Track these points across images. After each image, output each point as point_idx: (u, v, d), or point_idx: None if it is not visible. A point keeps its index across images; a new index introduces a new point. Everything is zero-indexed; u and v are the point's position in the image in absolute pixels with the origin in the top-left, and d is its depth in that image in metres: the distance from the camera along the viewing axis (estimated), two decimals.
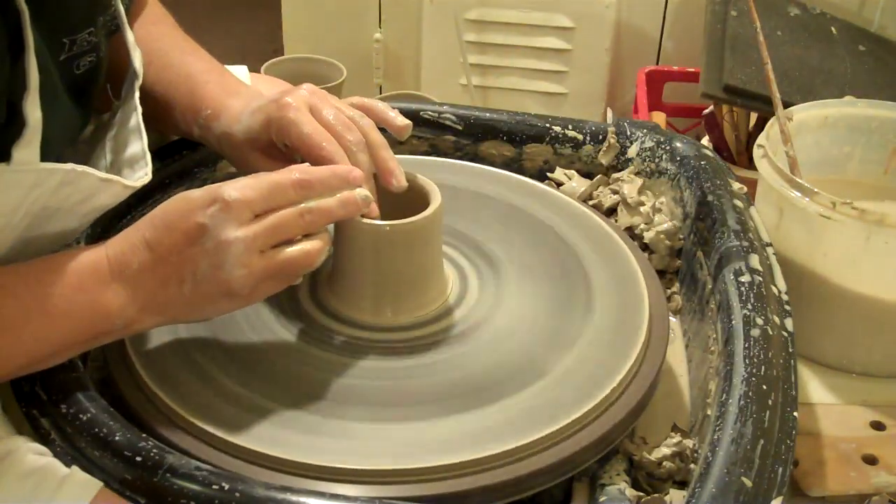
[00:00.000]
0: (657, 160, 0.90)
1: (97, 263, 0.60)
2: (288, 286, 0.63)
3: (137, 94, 0.72)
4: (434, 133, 0.94)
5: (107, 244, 0.61)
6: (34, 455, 0.58)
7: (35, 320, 0.58)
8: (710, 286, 0.75)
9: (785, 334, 0.67)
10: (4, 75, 0.57)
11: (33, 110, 0.58)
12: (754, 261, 0.73)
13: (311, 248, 0.61)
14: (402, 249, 0.69)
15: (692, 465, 0.66)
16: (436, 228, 0.70)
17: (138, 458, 0.55)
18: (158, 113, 0.78)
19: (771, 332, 0.66)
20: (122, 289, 0.60)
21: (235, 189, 0.60)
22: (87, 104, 0.71)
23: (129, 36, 0.72)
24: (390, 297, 0.71)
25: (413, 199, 0.71)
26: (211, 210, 0.59)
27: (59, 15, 0.63)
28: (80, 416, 0.58)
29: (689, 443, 0.66)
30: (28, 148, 0.58)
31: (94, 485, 0.55)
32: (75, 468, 0.57)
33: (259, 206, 0.60)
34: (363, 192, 0.64)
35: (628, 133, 0.93)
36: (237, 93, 0.76)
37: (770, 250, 0.76)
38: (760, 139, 0.85)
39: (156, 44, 0.80)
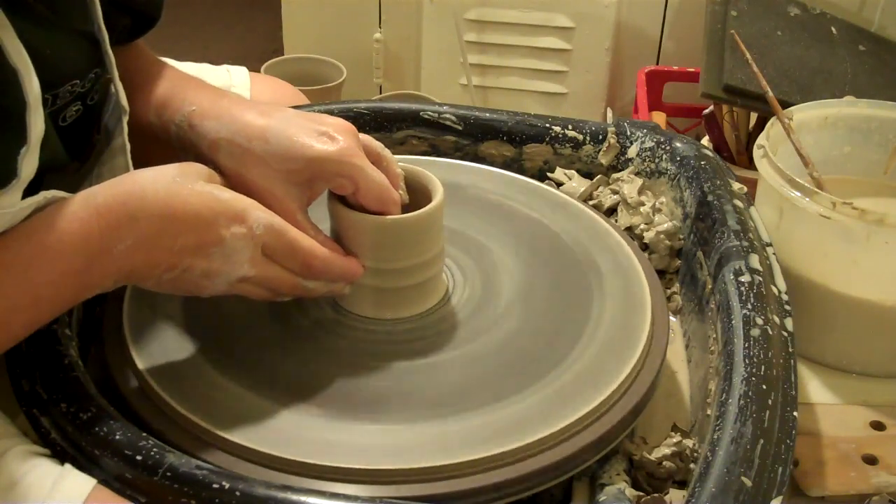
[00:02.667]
0: (657, 160, 0.90)
1: (88, 235, 0.59)
2: None
3: (126, 131, 0.71)
4: (434, 133, 0.95)
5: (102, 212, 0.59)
6: (29, 454, 0.58)
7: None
8: (710, 286, 0.75)
9: (785, 334, 0.67)
10: None
11: (28, 164, 0.58)
12: (754, 261, 0.73)
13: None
14: (404, 243, 0.69)
15: (692, 465, 0.66)
16: (437, 223, 0.70)
17: (139, 457, 0.55)
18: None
19: (771, 332, 0.66)
20: (109, 263, 0.59)
21: (263, 223, 0.61)
22: (76, 148, 0.71)
23: (115, 73, 0.70)
24: (391, 293, 0.71)
25: (415, 194, 0.71)
26: (234, 229, 0.60)
27: (41, 71, 0.60)
28: (81, 415, 0.58)
29: (689, 443, 0.66)
30: (12, 195, 0.58)
31: (88, 483, 0.55)
32: (69, 466, 0.57)
33: (269, 251, 0.63)
34: (349, 288, 0.69)
35: (628, 133, 0.93)
36: (251, 108, 0.69)
37: (770, 250, 0.76)
38: (760, 139, 0.85)
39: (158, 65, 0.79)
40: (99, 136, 0.73)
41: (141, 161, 0.72)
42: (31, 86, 0.58)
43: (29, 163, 0.58)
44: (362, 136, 0.68)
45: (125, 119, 0.71)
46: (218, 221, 0.60)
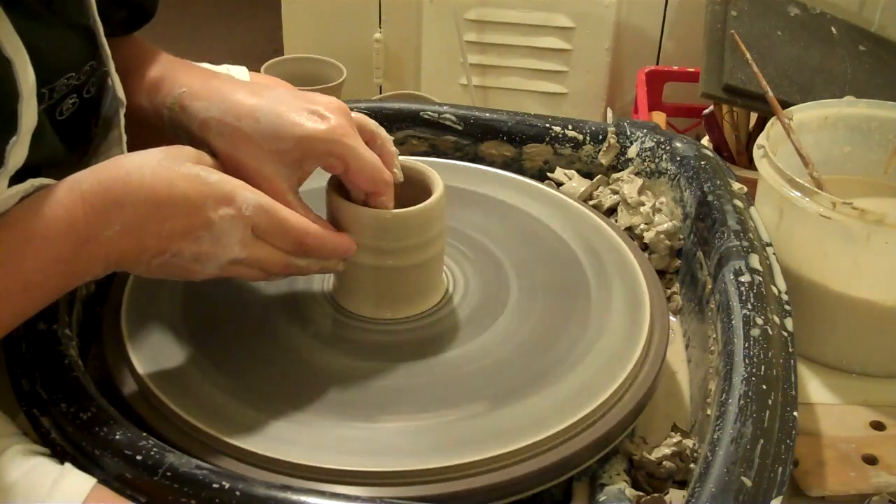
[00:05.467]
0: (657, 160, 0.90)
1: (74, 221, 0.58)
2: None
3: (122, 122, 0.71)
4: (434, 133, 0.95)
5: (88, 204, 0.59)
6: (29, 453, 0.57)
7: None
8: (710, 286, 0.75)
9: (785, 334, 0.67)
10: None
11: (16, 154, 0.58)
12: (754, 261, 0.73)
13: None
14: (404, 238, 0.68)
15: (692, 465, 0.66)
16: (438, 218, 0.70)
17: (139, 457, 0.55)
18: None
19: (771, 332, 0.66)
20: (97, 249, 0.59)
21: (252, 204, 0.61)
22: (74, 142, 0.70)
23: (111, 66, 0.70)
24: (391, 291, 0.71)
25: (416, 189, 0.71)
26: (222, 211, 0.60)
27: (37, 65, 0.60)
28: (81, 414, 0.58)
29: (689, 443, 0.66)
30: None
31: (88, 482, 0.55)
32: (69, 465, 0.56)
33: (259, 231, 0.62)
34: (343, 264, 0.68)
35: (628, 133, 0.93)
36: (242, 87, 0.69)
37: (770, 250, 0.76)
38: (760, 139, 0.85)
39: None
40: (97, 130, 0.73)
41: (137, 150, 0.72)
42: (26, 77, 0.58)
43: (17, 153, 0.58)
44: (356, 114, 0.68)
45: (122, 111, 0.71)
46: (206, 204, 0.59)
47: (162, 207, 0.59)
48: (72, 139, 0.70)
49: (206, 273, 0.62)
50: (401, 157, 0.71)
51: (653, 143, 0.91)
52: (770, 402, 0.60)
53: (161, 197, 0.59)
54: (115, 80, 0.70)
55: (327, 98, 0.67)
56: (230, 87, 0.68)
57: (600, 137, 0.93)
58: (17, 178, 0.59)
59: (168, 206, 0.59)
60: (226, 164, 0.65)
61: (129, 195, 0.58)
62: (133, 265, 0.61)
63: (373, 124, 0.68)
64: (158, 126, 0.72)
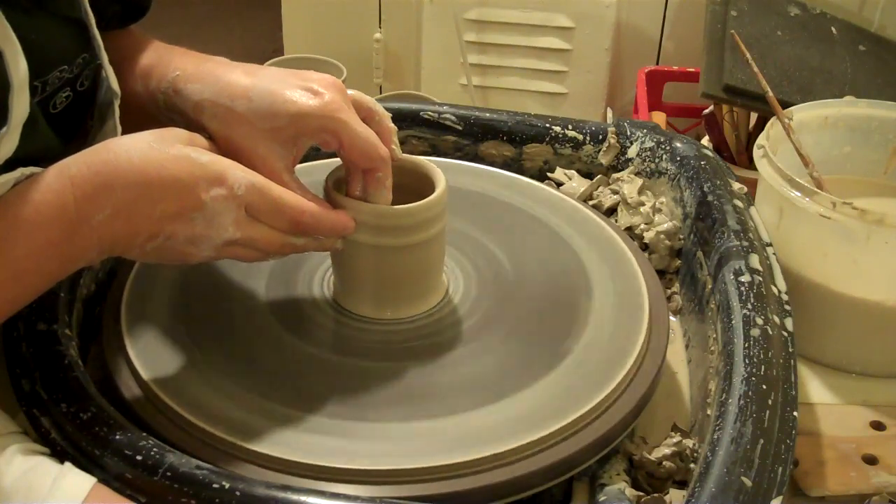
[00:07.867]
0: (657, 160, 0.90)
1: (63, 206, 0.58)
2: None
3: (117, 114, 0.70)
4: (434, 133, 0.95)
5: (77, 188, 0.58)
6: (29, 452, 0.57)
7: None
8: (710, 286, 0.75)
9: (785, 334, 0.67)
10: None
11: (5, 145, 0.58)
12: (754, 261, 0.73)
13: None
14: (404, 235, 0.68)
15: (692, 465, 0.66)
16: (439, 214, 0.69)
17: (139, 457, 0.55)
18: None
19: (771, 332, 0.66)
20: (89, 233, 0.58)
21: (244, 184, 0.60)
22: (69, 135, 0.70)
23: (104, 58, 0.70)
24: (391, 288, 0.71)
25: (418, 185, 0.70)
26: (214, 192, 0.59)
27: (29, 58, 0.59)
28: (81, 414, 0.58)
29: (688, 442, 0.66)
30: None
31: (88, 481, 0.55)
32: (68, 465, 0.56)
33: (253, 211, 0.61)
34: (341, 242, 0.68)
35: (628, 133, 0.93)
36: (236, 68, 0.69)
37: (770, 250, 0.76)
38: (760, 139, 0.85)
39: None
40: (92, 122, 0.72)
41: None
42: (17, 68, 0.57)
43: (6, 144, 0.58)
44: (352, 91, 0.67)
45: (116, 103, 0.70)
46: (197, 185, 0.59)
47: (152, 189, 0.58)
48: (67, 132, 0.69)
49: (201, 255, 0.62)
50: (403, 156, 0.70)
51: (653, 143, 0.91)
52: (770, 402, 0.60)
53: (151, 179, 0.58)
54: (109, 73, 0.70)
55: (321, 74, 0.66)
56: (223, 69, 0.67)
57: (600, 137, 0.93)
58: (9, 171, 0.59)
59: (159, 188, 0.58)
60: (221, 146, 0.64)
61: (118, 178, 0.58)
62: (127, 249, 0.60)
63: (369, 100, 0.68)
64: (153, 112, 0.72)
